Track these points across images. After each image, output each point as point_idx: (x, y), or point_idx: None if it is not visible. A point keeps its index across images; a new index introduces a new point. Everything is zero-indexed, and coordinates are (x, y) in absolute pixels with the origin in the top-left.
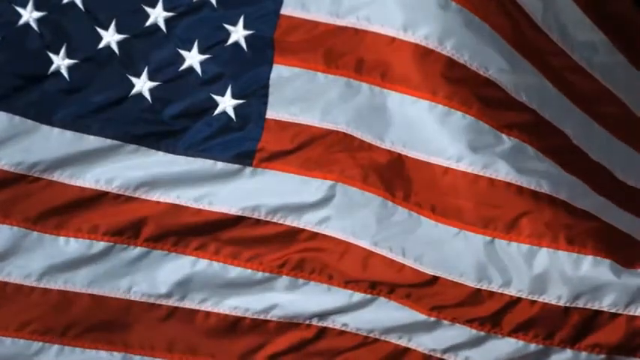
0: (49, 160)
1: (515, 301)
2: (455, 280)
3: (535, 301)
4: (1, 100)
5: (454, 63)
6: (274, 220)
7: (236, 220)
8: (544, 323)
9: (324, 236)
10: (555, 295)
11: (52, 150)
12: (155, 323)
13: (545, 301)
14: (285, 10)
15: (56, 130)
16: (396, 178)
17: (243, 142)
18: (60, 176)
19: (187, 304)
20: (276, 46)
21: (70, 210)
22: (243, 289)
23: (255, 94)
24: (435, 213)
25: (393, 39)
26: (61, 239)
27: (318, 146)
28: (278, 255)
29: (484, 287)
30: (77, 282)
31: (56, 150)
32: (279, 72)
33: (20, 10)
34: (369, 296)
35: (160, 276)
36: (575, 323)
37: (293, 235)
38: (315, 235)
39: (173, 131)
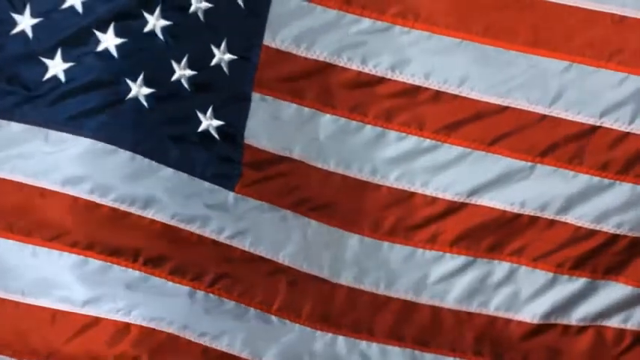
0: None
1: None
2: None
3: None
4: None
5: None
6: (257, 252)
7: (227, 249)
8: None
9: (305, 274)
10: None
11: (50, 156)
12: None
13: None
14: (267, 42)
15: (50, 133)
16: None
17: (226, 164)
18: (74, 190)
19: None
20: (257, 75)
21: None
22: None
23: (235, 118)
24: None
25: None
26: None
27: (288, 175)
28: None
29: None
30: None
31: (53, 156)
32: (258, 99)
33: (17, 17)
34: None
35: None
36: None
37: (277, 272)
38: (297, 277)
39: (163, 139)
